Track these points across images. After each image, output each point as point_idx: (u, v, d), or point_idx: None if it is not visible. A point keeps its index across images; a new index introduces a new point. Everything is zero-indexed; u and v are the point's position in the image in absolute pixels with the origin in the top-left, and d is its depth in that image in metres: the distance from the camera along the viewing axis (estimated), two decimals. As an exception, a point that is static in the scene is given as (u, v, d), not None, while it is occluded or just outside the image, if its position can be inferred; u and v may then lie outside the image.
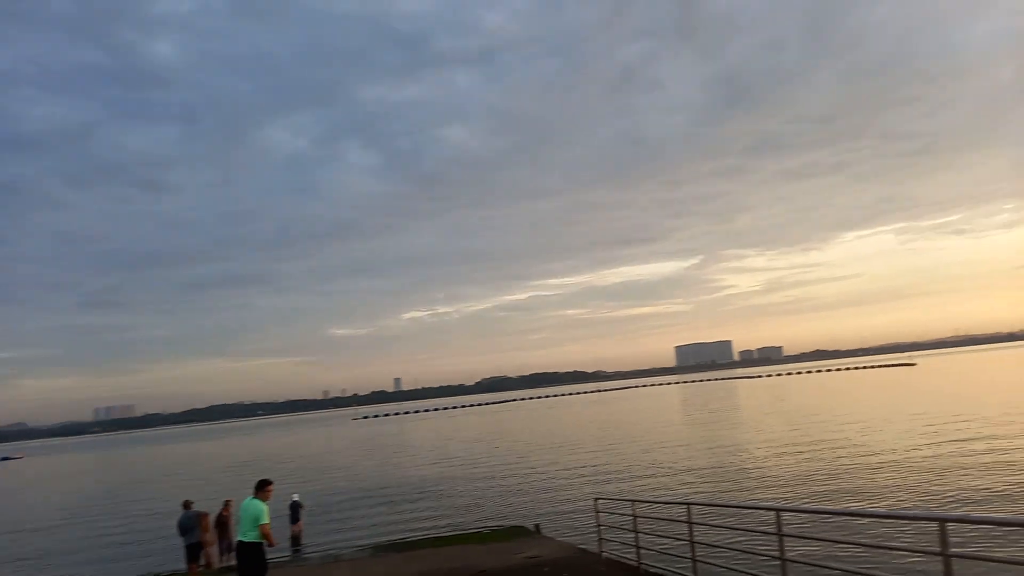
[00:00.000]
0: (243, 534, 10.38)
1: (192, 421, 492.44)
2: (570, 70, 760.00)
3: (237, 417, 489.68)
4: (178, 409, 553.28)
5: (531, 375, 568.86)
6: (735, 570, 8.89)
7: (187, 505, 17.18)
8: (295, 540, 22.94)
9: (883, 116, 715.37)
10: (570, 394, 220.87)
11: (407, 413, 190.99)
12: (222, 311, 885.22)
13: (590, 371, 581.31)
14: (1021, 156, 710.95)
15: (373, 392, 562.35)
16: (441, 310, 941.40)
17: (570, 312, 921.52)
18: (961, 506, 17.99)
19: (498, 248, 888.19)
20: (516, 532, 18.20)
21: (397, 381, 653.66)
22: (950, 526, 5.79)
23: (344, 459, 57.32)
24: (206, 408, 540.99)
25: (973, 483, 20.98)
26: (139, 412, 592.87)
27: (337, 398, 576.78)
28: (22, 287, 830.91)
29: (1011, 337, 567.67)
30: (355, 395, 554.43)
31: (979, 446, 28.79)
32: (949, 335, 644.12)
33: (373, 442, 79.22)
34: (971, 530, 13.41)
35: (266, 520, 10.28)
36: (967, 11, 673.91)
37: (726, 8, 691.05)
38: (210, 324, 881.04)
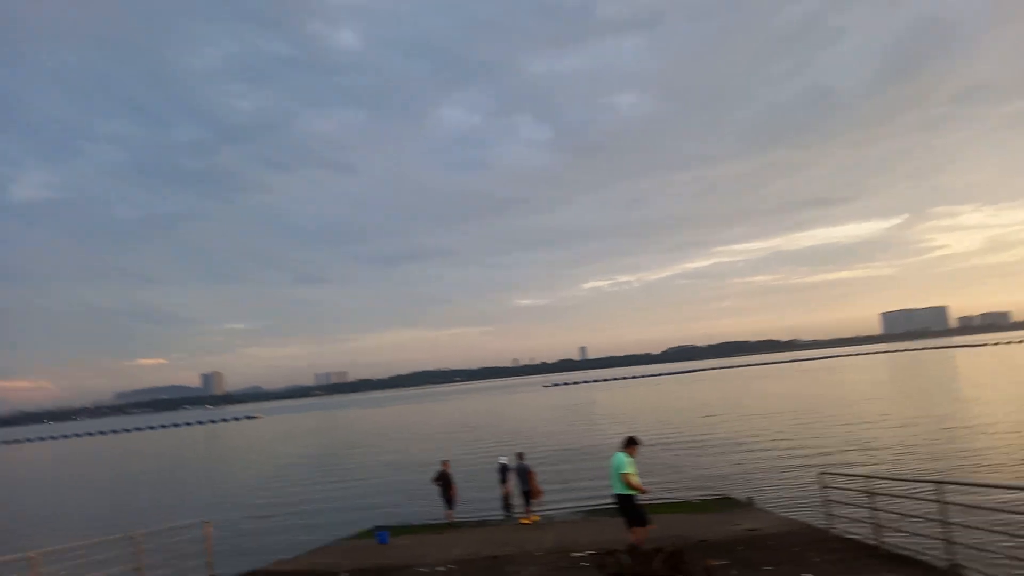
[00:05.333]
0: (614, 486, 11.65)
1: (398, 386, 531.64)
2: (740, 27, 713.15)
3: (437, 382, 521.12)
4: (385, 375, 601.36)
5: (719, 344, 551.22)
6: (997, 553, 8.29)
7: (520, 456, 19.77)
8: (505, 501, 24.25)
9: None
10: (763, 364, 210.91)
11: (596, 381, 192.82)
12: (413, 283, 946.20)
13: (784, 340, 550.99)
14: None
15: (560, 360, 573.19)
16: (622, 279, 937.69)
17: (758, 279, 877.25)
18: None
19: (675, 215, 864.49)
20: (727, 503, 18.00)
21: (583, 350, 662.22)
22: None
23: (544, 424, 59.25)
24: (409, 374, 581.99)
25: None
26: (352, 377, 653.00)
27: (526, 366, 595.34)
28: (242, 264, 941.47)
29: None
30: (543, 363, 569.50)
31: None
32: None
33: (569, 408, 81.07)
34: None
35: (626, 470, 11.41)
36: None
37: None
38: (405, 295, 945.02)
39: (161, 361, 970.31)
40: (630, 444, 11.78)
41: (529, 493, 18.61)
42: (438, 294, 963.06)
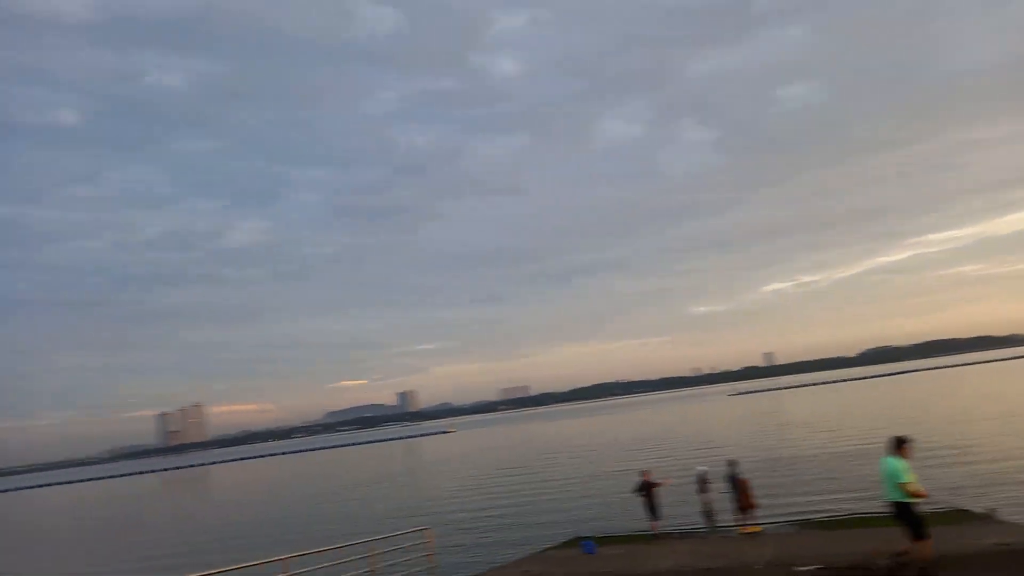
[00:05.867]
0: (889, 494, 10.54)
1: (579, 399, 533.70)
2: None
3: (618, 394, 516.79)
4: (565, 388, 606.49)
5: (924, 343, 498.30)
6: None
7: (732, 464, 18.77)
8: (705, 512, 23.60)
9: None
10: (980, 362, 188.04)
11: (786, 388, 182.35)
12: (589, 297, 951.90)
13: (1001, 335, 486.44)
14: None
15: (744, 368, 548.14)
16: (806, 279, 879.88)
17: (964, 269, 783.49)
18: None
19: (862, 206, 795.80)
20: (962, 516, 16.35)
21: (768, 355, 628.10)
22: None
23: (736, 434, 57.03)
24: (590, 387, 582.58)
25: None
26: (534, 391, 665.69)
27: (709, 375, 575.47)
28: (427, 290, 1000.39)
29: None
30: (726, 371, 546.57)
31: None
32: None
33: (761, 416, 77.45)
34: None
35: (904, 479, 10.23)
36: None
37: None
38: (580, 310, 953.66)
39: (361, 382, 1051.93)
40: (901, 445, 10.40)
41: (741, 503, 17.88)
42: (613, 306, 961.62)
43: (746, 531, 17.06)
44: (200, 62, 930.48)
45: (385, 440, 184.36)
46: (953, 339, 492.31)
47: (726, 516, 21.06)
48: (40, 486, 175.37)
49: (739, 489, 17.88)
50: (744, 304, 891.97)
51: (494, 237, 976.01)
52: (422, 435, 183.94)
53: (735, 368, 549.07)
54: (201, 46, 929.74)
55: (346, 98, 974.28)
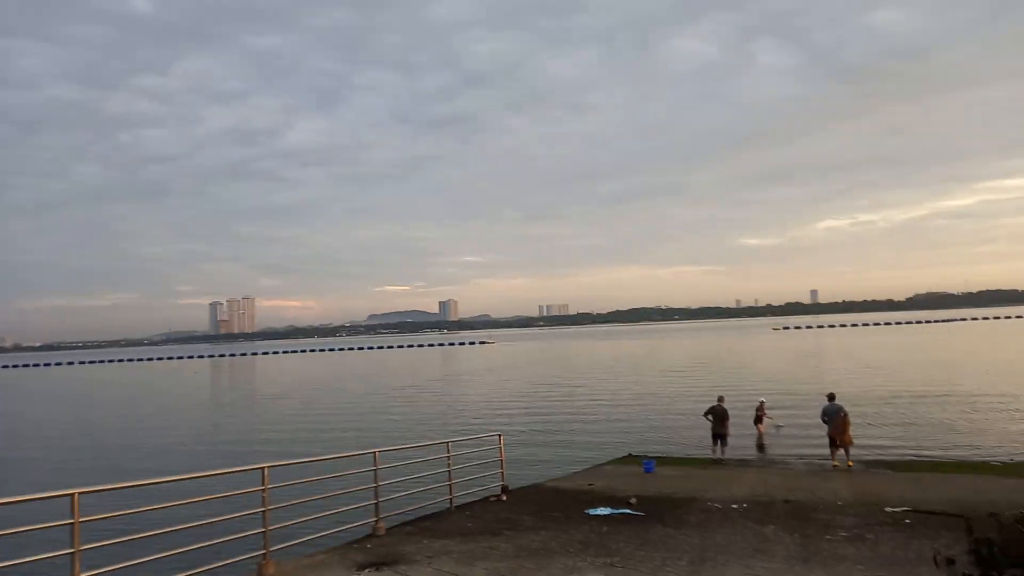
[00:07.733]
0: None
1: (616, 321, 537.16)
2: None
3: (655, 320, 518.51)
4: (604, 310, 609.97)
5: (980, 292, 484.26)
6: None
7: (831, 397, 18.32)
8: (759, 442, 23.87)
9: None
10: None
11: (830, 327, 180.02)
12: (640, 221, 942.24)
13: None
14: None
15: (788, 303, 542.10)
16: (863, 218, 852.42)
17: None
18: None
19: (937, 146, 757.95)
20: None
21: (814, 293, 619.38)
22: None
23: (790, 368, 56.21)
24: (628, 310, 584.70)
25: None
26: (572, 311, 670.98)
27: (751, 307, 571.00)
28: (480, 202, 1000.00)
29: None
30: (768, 305, 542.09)
31: None
32: None
33: (812, 353, 76.53)
34: None
35: None
36: None
37: None
38: (629, 233, 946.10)
39: (405, 288, 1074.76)
40: None
41: (838, 439, 17.34)
42: (664, 232, 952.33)
43: (836, 465, 17.01)
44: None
45: (427, 346, 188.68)
46: (1013, 290, 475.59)
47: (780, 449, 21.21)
48: (97, 361, 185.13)
49: (837, 424, 17.45)
50: (797, 239, 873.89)
51: (557, 154, 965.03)
52: (462, 344, 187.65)
53: (778, 303, 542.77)
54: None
55: (415, 1, 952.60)
